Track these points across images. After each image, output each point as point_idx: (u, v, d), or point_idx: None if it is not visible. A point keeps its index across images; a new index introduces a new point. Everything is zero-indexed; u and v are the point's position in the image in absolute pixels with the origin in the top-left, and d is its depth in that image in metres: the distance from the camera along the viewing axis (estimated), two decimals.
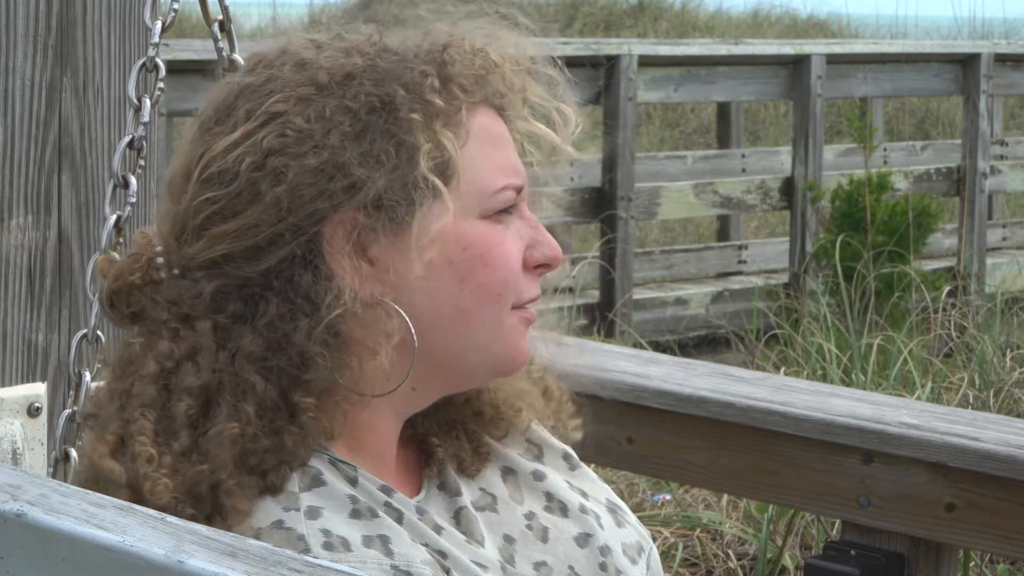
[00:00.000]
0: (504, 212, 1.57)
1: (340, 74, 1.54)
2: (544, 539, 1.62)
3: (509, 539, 1.61)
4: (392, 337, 1.53)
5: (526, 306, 1.60)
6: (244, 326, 1.51)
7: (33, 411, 2.14)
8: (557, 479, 1.68)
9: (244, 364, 1.49)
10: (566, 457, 1.72)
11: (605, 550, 1.63)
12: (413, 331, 1.53)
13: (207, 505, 1.46)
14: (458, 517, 1.60)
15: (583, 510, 1.66)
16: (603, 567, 1.62)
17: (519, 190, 1.59)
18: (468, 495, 1.63)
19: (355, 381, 1.52)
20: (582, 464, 1.74)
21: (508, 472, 1.67)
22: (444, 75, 1.56)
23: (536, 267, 1.60)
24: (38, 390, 2.15)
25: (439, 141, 1.53)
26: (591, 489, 1.70)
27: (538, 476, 1.67)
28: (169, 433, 1.49)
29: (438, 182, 1.53)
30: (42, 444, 2.14)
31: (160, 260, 1.56)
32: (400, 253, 1.53)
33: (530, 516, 1.64)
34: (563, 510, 1.65)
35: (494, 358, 1.58)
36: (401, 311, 1.53)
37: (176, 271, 1.55)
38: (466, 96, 1.56)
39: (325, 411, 1.51)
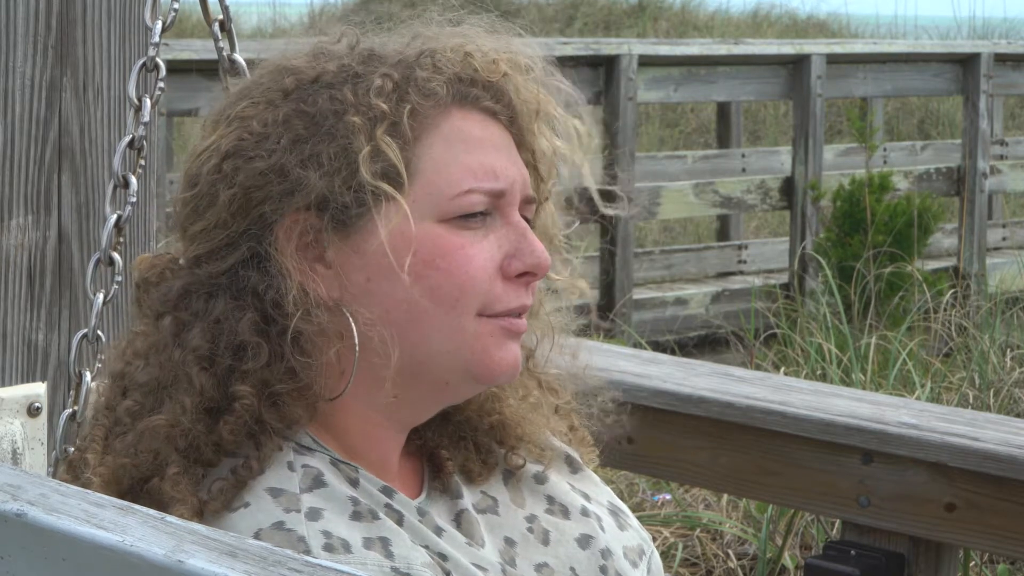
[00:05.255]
0: (473, 217, 1.54)
1: (307, 79, 1.56)
2: (545, 541, 1.62)
3: (510, 542, 1.61)
4: (342, 338, 1.53)
5: (508, 316, 1.56)
6: (198, 322, 1.53)
7: (33, 411, 2.14)
8: (559, 481, 1.68)
9: (188, 357, 1.52)
10: (568, 460, 1.72)
11: (606, 553, 1.63)
12: (356, 335, 1.52)
13: (144, 498, 1.47)
14: (459, 520, 1.59)
15: (584, 512, 1.65)
16: (603, 570, 1.62)
17: (498, 195, 1.56)
18: (469, 498, 1.63)
19: (303, 376, 1.52)
20: (585, 467, 1.73)
21: (509, 476, 1.67)
22: (406, 78, 1.55)
23: (519, 276, 1.57)
24: (38, 390, 2.15)
25: (379, 146, 1.52)
26: (593, 491, 1.70)
27: (540, 479, 1.67)
28: (117, 432, 1.54)
29: (384, 186, 1.52)
30: (42, 444, 2.14)
31: (182, 260, 1.60)
32: (350, 256, 1.53)
33: (531, 519, 1.63)
34: (564, 512, 1.65)
35: (465, 366, 1.55)
36: (347, 313, 1.52)
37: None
38: (425, 99, 1.55)
39: (269, 402, 1.51)
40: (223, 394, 1.51)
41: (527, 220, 1.60)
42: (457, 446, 1.66)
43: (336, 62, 1.57)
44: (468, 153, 1.56)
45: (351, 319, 1.52)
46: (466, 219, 1.54)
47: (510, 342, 1.57)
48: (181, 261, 1.60)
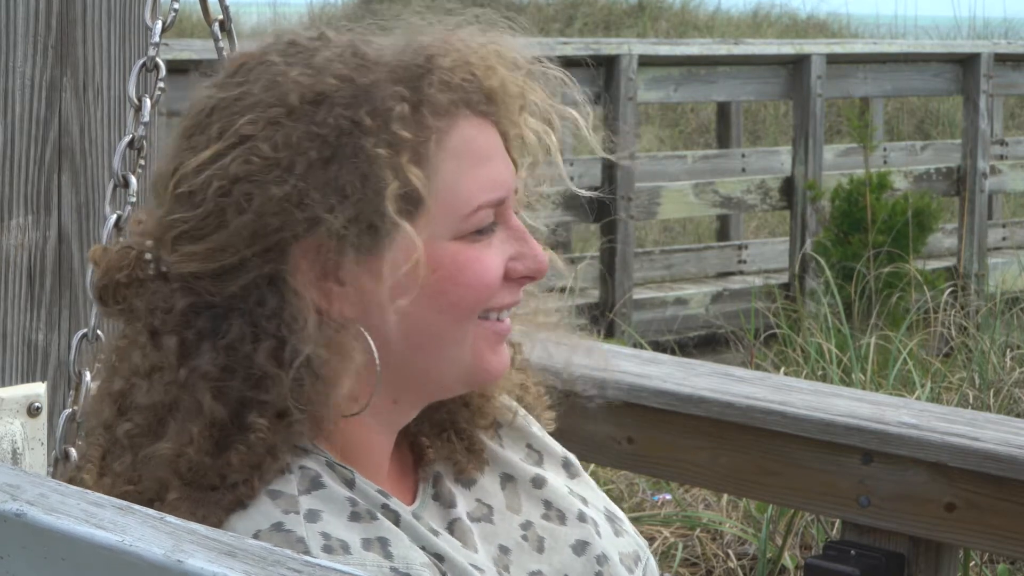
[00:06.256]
0: (481, 231, 1.54)
1: (311, 95, 1.51)
2: (540, 549, 1.61)
3: (504, 550, 1.60)
4: (360, 358, 1.51)
5: (499, 317, 1.57)
6: (206, 344, 1.50)
7: (33, 411, 2.14)
8: (557, 484, 1.67)
9: (198, 383, 1.49)
10: (566, 464, 1.72)
11: (602, 559, 1.62)
12: (376, 354, 1.51)
13: None
14: (452, 528, 1.59)
15: (582, 518, 1.65)
16: None
17: (501, 203, 1.55)
18: (464, 506, 1.62)
19: (322, 401, 1.50)
20: (583, 472, 1.73)
21: (507, 479, 1.67)
22: (418, 98, 1.52)
23: (520, 278, 1.57)
24: (38, 390, 2.15)
25: (405, 176, 1.50)
26: (591, 496, 1.70)
27: (537, 483, 1.67)
28: (115, 454, 1.52)
29: (405, 213, 1.50)
30: (42, 444, 2.14)
31: (148, 256, 1.56)
32: (368, 277, 1.51)
33: (527, 526, 1.63)
34: (561, 518, 1.64)
35: (466, 371, 1.56)
36: (366, 334, 1.51)
37: (163, 268, 1.55)
38: (437, 119, 1.52)
39: (283, 430, 1.49)
40: (235, 423, 1.48)
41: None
42: (439, 437, 1.65)
43: (334, 76, 1.52)
44: (475, 167, 1.54)
45: (369, 338, 1.51)
46: (477, 233, 1.54)
47: (500, 346, 1.58)
48: (148, 256, 1.55)
